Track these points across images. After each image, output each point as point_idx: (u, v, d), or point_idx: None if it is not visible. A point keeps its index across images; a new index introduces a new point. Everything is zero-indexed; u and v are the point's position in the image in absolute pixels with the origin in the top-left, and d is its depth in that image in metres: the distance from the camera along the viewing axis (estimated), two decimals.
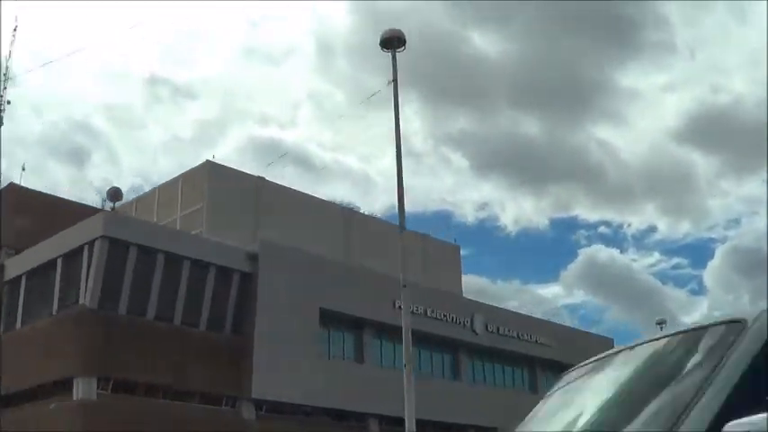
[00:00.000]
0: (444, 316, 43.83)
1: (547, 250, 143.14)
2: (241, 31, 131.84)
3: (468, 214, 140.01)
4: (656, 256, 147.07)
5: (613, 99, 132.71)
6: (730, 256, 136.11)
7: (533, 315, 53.10)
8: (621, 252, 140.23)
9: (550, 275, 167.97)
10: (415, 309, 41.15)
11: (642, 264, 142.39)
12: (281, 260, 36.99)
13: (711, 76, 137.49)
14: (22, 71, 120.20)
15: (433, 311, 43.28)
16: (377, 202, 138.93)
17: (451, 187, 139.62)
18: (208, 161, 48.00)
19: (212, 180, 46.84)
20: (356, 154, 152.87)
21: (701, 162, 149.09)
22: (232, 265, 35.70)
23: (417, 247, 55.46)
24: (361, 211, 54.87)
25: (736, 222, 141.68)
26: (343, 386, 38.57)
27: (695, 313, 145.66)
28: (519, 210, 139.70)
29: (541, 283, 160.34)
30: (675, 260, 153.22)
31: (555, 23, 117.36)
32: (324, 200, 53.13)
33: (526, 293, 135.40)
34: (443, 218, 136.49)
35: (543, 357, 50.37)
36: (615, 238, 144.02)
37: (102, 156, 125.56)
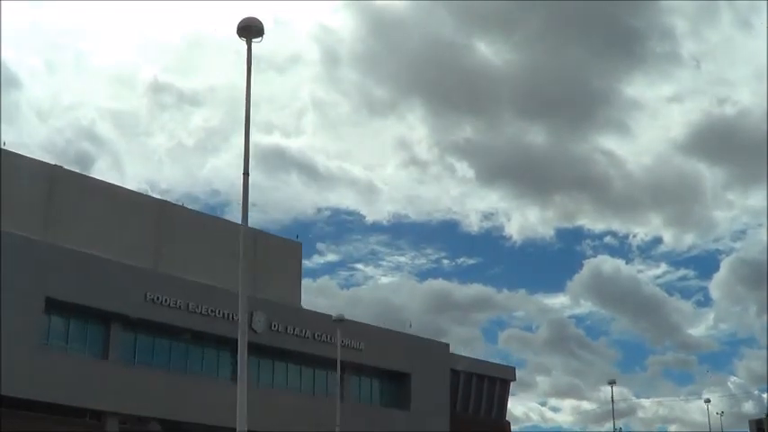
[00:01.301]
0: (212, 312, 43.07)
1: (553, 260, 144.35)
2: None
3: (474, 224, 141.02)
4: (663, 267, 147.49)
5: (619, 109, 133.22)
6: (736, 268, 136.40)
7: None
8: (627, 263, 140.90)
9: (557, 286, 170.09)
10: (174, 303, 40.87)
11: (648, 275, 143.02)
12: None
13: (717, 88, 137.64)
14: (27, 76, 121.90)
15: (197, 306, 42.55)
16: (382, 210, 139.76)
17: (457, 197, 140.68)
18: None
19: None
20: (360, 162, 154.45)
21: (706, 173, 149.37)
22: None
23: (248, 243, 54.77)
24: (178, 204, 53.97)
25: (742, 234, 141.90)
26: (77, 381, 37.92)
27: (701, 325, 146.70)
28: (524, 220, 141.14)
29: (548, 294, 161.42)
30: (682, 272, 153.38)
31: (560, 33, 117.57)
32: (135, 191, 52.64)
33: (532, 303, 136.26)
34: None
35: (351, 361, 49.40)
36: (621, 248, 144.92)
37: (106, 162, 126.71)
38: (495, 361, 63.79)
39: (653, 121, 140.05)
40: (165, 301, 41.45)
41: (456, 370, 56.97)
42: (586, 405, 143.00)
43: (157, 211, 51.44)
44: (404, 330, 55.13)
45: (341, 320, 36.60)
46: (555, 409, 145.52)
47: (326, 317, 50.13)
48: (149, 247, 49.17)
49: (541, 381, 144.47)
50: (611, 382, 50.11)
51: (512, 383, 64.15)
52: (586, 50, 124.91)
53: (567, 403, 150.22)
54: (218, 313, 43.55)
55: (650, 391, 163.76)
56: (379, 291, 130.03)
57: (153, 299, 41.03)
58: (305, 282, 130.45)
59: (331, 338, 48.41)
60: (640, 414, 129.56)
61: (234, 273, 51.70)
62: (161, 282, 42.08)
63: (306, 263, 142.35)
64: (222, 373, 44.94)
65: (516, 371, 64.62)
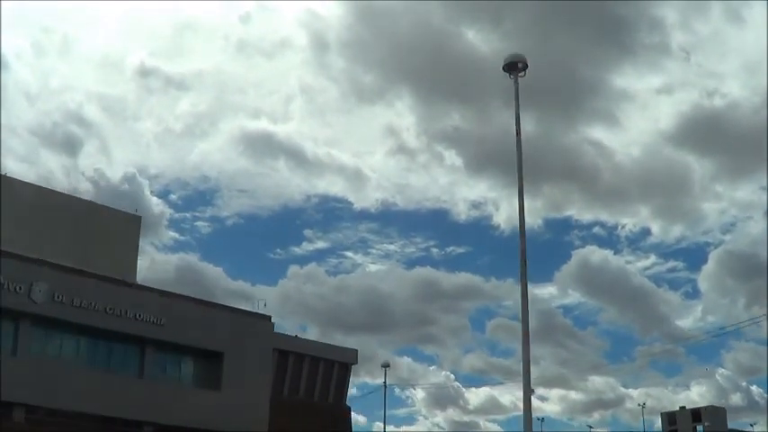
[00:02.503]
0: None
1: (541, 250, 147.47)
2: (234, 25, 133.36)
3: (462, 213, 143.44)
4: (652, 258, 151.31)
5: (607, 100, 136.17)
6: (725, 261, 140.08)
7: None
8: (615, 254, 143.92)
9: (545, 276, 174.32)
10: None
11: (637, 266, 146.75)
12: None
13: (706, 80, 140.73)
14: (13, 58, 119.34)
15: None
16: (370, 198, 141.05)
17: (446, 185, 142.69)
18: None
19: None
20: (349, 149, 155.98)
21: (695, 165, 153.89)
22: None
23: (77, 214, 54.36)
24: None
25: (731, 226, 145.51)
26: None
27: (689, 317, 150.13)
28: (513, 209, 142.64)
29: (536, 283, 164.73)
30: (671, 263, 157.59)
31: (549, 23, 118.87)
32: None
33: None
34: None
35: (150, 337, 49.04)
36: (609, 239, 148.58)
37: (94, 145, 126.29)
38: (335, 343, 63.82)
39: (642, 113, 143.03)
40: None
41: (284, 351, 56.95)
42: (574, 395, 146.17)
43: None
44: (224, 304, 54.96)
45: None
46: (542, 399, 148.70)
47: (125, 289, 49.96)
48: None
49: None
50: (385, 365, 50.08)
51: (353, 366, 64.24)
52: (575, 40, 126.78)
53: (555, 393, 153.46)
54: None
55: (638, 381, 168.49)
56: (368, 278, 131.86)
57: None
58: (293, 268, 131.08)
59: (126, 312, 48.09)
60: (628, 404, 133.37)
61: (48, 243, 51.13)
62: None
63: (295, 249, 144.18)
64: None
65: (358, 354, 64.60)
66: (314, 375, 59.54)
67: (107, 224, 56.32)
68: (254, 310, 58.53)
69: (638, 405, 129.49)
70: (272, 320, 58.23)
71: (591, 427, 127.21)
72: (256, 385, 53.68)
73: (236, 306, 58.06)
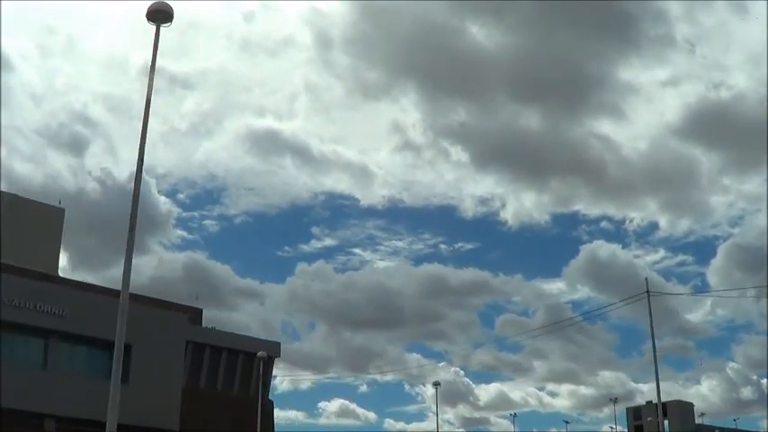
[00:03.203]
0: None
1: (549, 245, 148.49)
2: (237, 23, 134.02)
3: (470, 209, 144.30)
4: (661, 252, 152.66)
5: (613, 93, 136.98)
6: (734, 254, 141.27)
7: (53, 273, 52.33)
8: (624, 248, 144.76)
9: (553, 271, 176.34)
10: None
11: (645, 260, 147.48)
12: None
13: (712, 72, 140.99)
14: (19, 59, 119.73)
15: None
16: (377, 195, 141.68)
17: (452, 181, 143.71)
18: None
19: None
20: (354, 146, 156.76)
21: (702, 158, 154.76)
22: None
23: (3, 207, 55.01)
24: None
25: (739, 219, 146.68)
26: None
27: (699, 311, 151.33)
28: (520, 204, 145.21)
29: (545, 279, 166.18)
30: (680, 257, 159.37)
31: (553, 16, 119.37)
32: None
33: (529, 288, 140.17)
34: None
35: (53, 329, 49.53)
36: (617, 233, 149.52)
37: (100, 145, 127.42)
38: (258, 336, 64.43)
39: (648, 105, 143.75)
40: None
41: (200, 343, 57.54)
42: (584, 390, 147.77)
43: None
44: (139, 294, 55.35)
45: None
46: (552, 394, 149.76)
47: (27, 281, 50.41)
48: None
49: (539, 366, 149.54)
50: (261, 356, 50.61)
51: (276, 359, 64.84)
52: (579, 34, 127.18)
53: (565, 388, 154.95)
54: None
55: (648, 376, 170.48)
56: (376, 275, 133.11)
57: None
58: (301, 265, 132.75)
59: (26, 304, 48.55)
60: (639, 399, 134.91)
61: None
62: None
63: (303, 247, 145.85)
64: None
65: (281, 346, 65.26)
66: (233, 368, 60.17)
67: (29, 217, 56.90)
68: (175, 302, 59.16)
69: (610, 400, 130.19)
70: (202, 313, 58.81)
71: (567, 422, 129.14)
72: (167, 378, 54.19)
73: (154, 297, 58.66)
